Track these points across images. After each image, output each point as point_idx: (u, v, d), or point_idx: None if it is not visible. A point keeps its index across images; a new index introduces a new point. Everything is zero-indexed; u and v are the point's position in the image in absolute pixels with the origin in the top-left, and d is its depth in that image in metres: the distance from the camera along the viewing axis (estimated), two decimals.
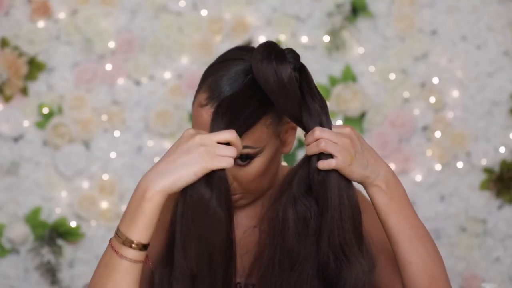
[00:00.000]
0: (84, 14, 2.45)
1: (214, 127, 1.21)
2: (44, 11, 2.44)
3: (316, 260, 1.22)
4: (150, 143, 2.49)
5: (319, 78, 2.54)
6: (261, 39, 2.50)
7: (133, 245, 1.18)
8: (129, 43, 2.47)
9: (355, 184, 1.26)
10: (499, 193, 2.58)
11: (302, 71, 1.27)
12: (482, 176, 2.58)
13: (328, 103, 2.65)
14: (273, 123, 1.28)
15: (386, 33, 2.54)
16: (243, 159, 1.27)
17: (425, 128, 2.57)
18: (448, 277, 1.32)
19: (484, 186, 2.57)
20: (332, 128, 1.24)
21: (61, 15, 2.46)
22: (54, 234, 2.46)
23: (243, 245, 1.31)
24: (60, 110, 2.47)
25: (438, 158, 2.56)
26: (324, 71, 2.54)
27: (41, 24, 2.45)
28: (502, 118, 2.57)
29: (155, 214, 1.19)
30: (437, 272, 1.31)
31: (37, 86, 2.46)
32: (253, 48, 1.32)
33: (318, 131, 1.22)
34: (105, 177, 2.48)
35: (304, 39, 2.53)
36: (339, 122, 2.54)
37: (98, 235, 2.48)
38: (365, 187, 1.27)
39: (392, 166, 2.55)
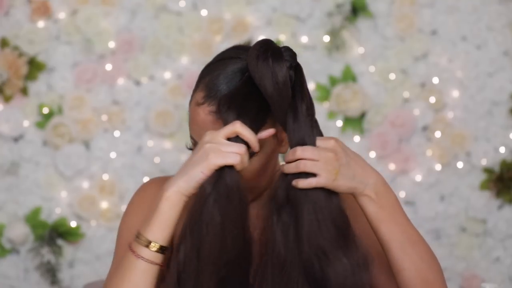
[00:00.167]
0: (84, 14, 2.45)
1: (225, 123, 1.21)
2: (44, 11, 2.44)
3: (302, 264, 1.22)
4: (150, 143, 2.49)
5: (319, 78, 2.54)
6: None
7: (150, 245, 1.20)
8: (129, 43, 2.47)
9: None
10: (499, 193, 2.58)
11: (297, 70, 1.26)
12: (482, 176, 2.58)
13: (328, 103, 2.69)
14: (270, 122, 1.28)
15: (386, 33, 2.54)
16: None
17: (425, 128, 2.57)
18: (444, 280, 1.32)
19: (484, 186, 2.57)
20: (316, 141, 1.23)
21: (61, 15, 2.46)
22: (54, 234, 2.46)
23: None
24: (60, 110, 2.47)
25: (438, 158, 2.56)
26: (324, 71, 2.54)
27: (41, 24, 2.45)
28: (502, 118, 2.57)
29: (172, 215, 1.20)
30: (431, 276, 1.30)
31: (37, 86, 2.46)
32: (250, 47, 1.32)
33: (300, 151, 1.22)
34: (105, 177, 2.48)
35: (304, 39, 2.53)
36: (339, 122, 2.54)
37: (98, 235, 2.48)
38: (354, 197, 1.27)
39: (392, 166, 2.55)
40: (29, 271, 2.46)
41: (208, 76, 1.30)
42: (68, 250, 2.48)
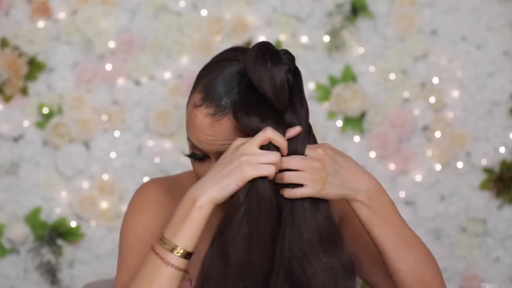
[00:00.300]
0: (84, 14, 2.45)
1: (248, 130, 1.21)
2: (44, 11, 2.44)
3: (282, 267, 1.22)
4: (150, 143, 2.49)
5: (319, 78, 2.54)
6: (261, 39, 2.50)
7: (179, 252, 1.20)
8: (129, 43, 2.47)
9: None
10: (499, 193, 2.58)
11: (295, 73, 1.27)
12: (482, 176, 2.58)
13: (328, 103, 2.68)
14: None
15: (386, 33, 2.54)
16: None
17: (425, 128, 2.57)
18: (442, 280, 1.32)
19: (484, 186, 2.57)
20: (306, 149, 1.24)
21: (61, 15, 2.46)
22: (54, 234, 2.46)
23: None
24: (60, 110, 2.47)
25: (438, 158, 2.56)
26: (324, 71, 2.54)
27: (41, 24, 2.45)
28: (502, 118, 2.57)
29: (202, 223, 1.21)
30: (428, 277, 1.30)
31: (37, 86, 2.46)
32: (247, 49, 1.32)
33: (284, 162, 1.22)
34: (105, 177, 2.48)
35: (304, 39, 2.53)
36: (339, 122, 2.54)
37: (98, 235, 2.48)
38: (347, 202, 1.28)
39: (392, 166, 2.55)
40: (29, 271, 2.46)
41: (206, 78, 1.30)
42: (68, 250, 2.48)
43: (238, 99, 1.24)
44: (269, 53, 1.23)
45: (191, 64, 2.49)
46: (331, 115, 2.55)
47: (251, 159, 1.19)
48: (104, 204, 2.47)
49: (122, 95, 2.48)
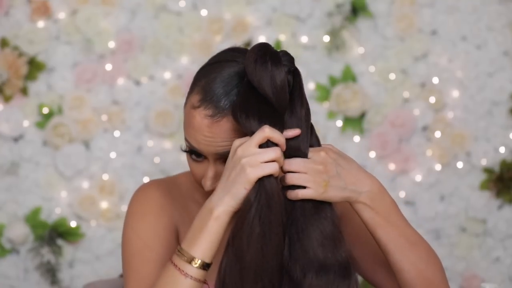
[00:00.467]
0: (84, 14, 2.45)
1: (248, 131, 1.21)
2: (44, 11, 2.44)
3: (279, 270, 1.23)
4: (150, 143, 2.49)
5: (319, 78, 2.54)
6: (261, 39, 2.50)
7: (197, 264, 1.20)
8: (129, 43, 2.47)
9: None
10: (499, 193, 2.58)
11: (295, 74, 1.27)
12: (482, 176, 2.58)
13: (328, 103, 2.68)
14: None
15: (386, 33, 2.54)
16: None
17: (425, 128, 2.57)
18: (445, 278, 1.33)
19: (484, 186, 2.57)
20: (309, 152, 1.24)
21: (61, 15, 2.46)
22: (54, 234, 2.46)
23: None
24: (60, 110, 2.47)
25: (438, 158, 2.56)
26: (324, 71, 2.54)
27: (41, 24, 2.45)
28: (502, 118, 2.57)
29: (220, 233, 1.21)
30: (432, 275, 1.31)
31: (37, 86, 2.46)
32: (246, 49, 1.32)
33: (286, 165, 1.23)
34: (105, 177, 2.48)
35: (304, 39, 2.53)
36: (339, 122, 2.54)
37: (98, 235, 2.48)
38: (350, 204, 1.28)
39: (392, 166, 2.55)
40: (29, 271, 2.46)
41: (204, 78, 1.30)
42: (68, 250, 2.48)
43: (237, 101, 1.24)
44: (269, 54, 1.24)
45: (191, 64, 2.49)
46: (331, 115, 2.55)
47: (252, 159, 1.19)
48: (104, 204, 2.47)
49: (122, 95, 2.48)
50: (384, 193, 1.29)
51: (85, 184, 2.47)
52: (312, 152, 1.25)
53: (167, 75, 2.49)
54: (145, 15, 2.48)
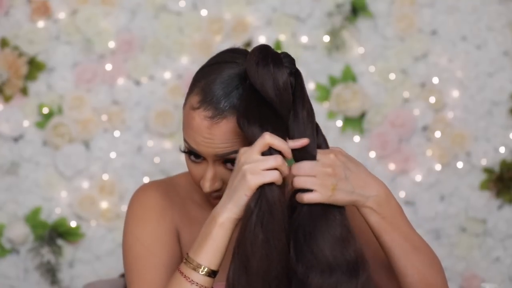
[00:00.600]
0: (84, 14, 2.45)
1: (250, 138, 1.21)
2: (44, 11, 2.44)
3: (288, 275, 1.23)
4: (150, 143, 2.49)
5: (319, 78, 2.54)
6: (261, 39, 2.50)
7: (203, 271, 1.21)
8: (129, 43, 2.47)
9: None
10: (499, 193, 2.58)
11: (297, 76, 1.27)
12: (482, 176, 2.58)
13: (328, 103, 2.68)
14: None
15: (386, 33, 2.54)
16: (234, 163, 1.28)
17: (425, 128, 2.57)
18: (445, 280, 1.34)
19: (484, 186, 2.57)
20: (317, 154, 1.24)
21: (61, 15, 2.46)
22: (54, 234, 2.46)
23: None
24: (60, 110, 2.47)
25: (438, 158, 2.56)
26: (324, 71, 2.54)
27: (41, 24, 2.45)
28: (502, 118, 2.57)
29: (225, 240, 1.22)
30: (433, 279, 1.32)
31: (37, 86, 2.46)
32: (245, 50, 1.32)
33: (295, 169, 1.23)
34: (105, 177, 2.48)
35: (304, 39, 2.53)
36: (339, 122, 2.54)
37: (98, 235, 2.48)
38: (356, 208, 1.28)
39: (392, 166, 2.55)
40: (29, 271, 2.46)
41: (204, 79, 1.29)
42: (68, 250, 2.48)
43: (240, 106, 1.24)
44: (270, 56, 1.24)
45: (191, 64, 2.49)
46: (331, 115, 2.55)
47: (253, 167, 1.19)
48: (104, 204, 2.47)
49: (122, 95, 2.48)
50: (391, 198, 1.29)
51: (85, 184, 2.47)
52: (321, 154, 1.24)
53: (167, 75, 2.49)
54: (145, 15, 2.48)
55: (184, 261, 1.23)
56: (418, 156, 2.56)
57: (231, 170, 1.29)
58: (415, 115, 2.55)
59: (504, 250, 2.59)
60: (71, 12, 2.47)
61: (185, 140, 1.32)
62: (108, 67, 2.47)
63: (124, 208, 2.46)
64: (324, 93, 2.54)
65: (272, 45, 2.50)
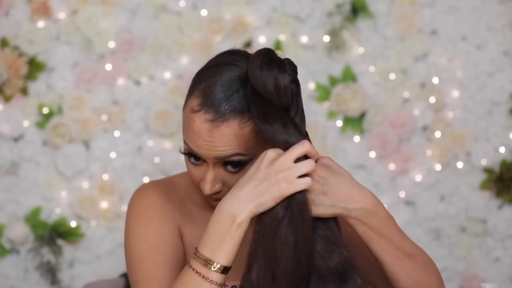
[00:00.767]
0: (84, 14, 2.45)
1: (278, 141, 1.22)
2: (44, 11, 2.44)
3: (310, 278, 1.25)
4: (150, 143, 2.49)
5: (319, 78, 2.54)
6: (261, 39, 2.50)
7: (220, 269, 1.22)
8: (129, 43, 2.47)
9: None
10: (499, 193, 2.58)
11: (297, 85, 1.28)
12: (482, 176, 2.58)
13: (328, 103, 2.68)
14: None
15: (386, 33, 2.54)
16: (235, 165, 1.29)
17: (425, 128, 2.57)
18: (442, 285, 1.34)
19: (484, 186, 2.57)
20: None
21: (61, 15, 2.46)
22: (54, 234, 2.46)
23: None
24: (60, 110, 2.47)
25: (438, 158, 2.56)
26: (324, 71, 2.54)
27: (41, 24, 2.45)
28: (502, 118, 2.57)
29: (241, 238, 1.23)
30: (427, 285, 1.32)
31: (37, 86, 2.46)
32: (246, 52, 1.32)
33: None
34: (105, 177, 2.48)
35: (304, 39, 2.53)
36: (339, 122, 2.54)
37: (98, 235, 2.48)
38: (344, 218, 1.29)
39: (392, 166, 2.55)
40: (29, 271, 2.46)
41: (204, 82, 1.29)
42: (68, 250, 2.48)
43: (255, 112, 1.24)
44: (275, 62, 1.24)
45: (191, 64, 2.49)
46: (331, 115, 2.55)
47: (289, 175, 1.20)
48: (104, 204, 2.47)
49: (122, 95, 2.48)
50: (378, 209, 1.28)
51: (85, 184, 2.47)
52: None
53: (167, 75, 2.49)
54: (145, 15, 2.48)
55: (198, 260, 1.22)
56: (418, 156, 2.56)
57: (231, 172, 1.29)
58: (415, 115, 2.55)
59: (504, 250, 2.59)
60: (71, 12, 2.47)
61: (185, 142, 1.32)
62: (108, 67, 2.47)
63: (124, 208, 2.46)
64: (324, 93, 2.54)
65: (272, 45, 2.50)
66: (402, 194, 2.56)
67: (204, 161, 1.31)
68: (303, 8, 2.51)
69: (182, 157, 2.44)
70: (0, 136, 2.46)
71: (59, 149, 2.45)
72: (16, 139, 2.47)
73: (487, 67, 2.57)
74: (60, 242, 2.47)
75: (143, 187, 1.45)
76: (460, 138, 2.56)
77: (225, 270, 1.22)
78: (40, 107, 2.46)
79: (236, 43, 2.42)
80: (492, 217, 2.58)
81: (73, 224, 2.47)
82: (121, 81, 2.48)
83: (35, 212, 2.46)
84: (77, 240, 2.47)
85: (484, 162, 2.57)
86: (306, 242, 1.21)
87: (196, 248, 1.24)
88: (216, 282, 1.22)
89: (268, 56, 1.25)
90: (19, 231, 2.44)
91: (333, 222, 1.26)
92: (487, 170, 2.57)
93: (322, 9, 2.52)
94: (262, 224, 1.22)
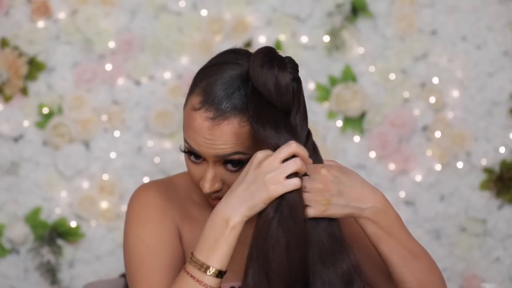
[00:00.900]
0: (84, 14, 2.45)
1: (268, 142, 1.21)
2: (44, 11, 2.44)
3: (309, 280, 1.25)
4: (150, 143, 2.49)
5: (319, 78, 2.54)
6: (261, 39, 2.50)
7: (215, 273, 1.22)
8: (129, 43, 2.47)
9: None
10: (499, 193, 2.58)
11: (298, 82, 1.28)
12: (482, 176, 2.58)
13: (328, 103, 2.68)
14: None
15: (386, 33, 2.54)
16: (235, 164, 1.29)
17: (425, 128, 2.57)
18: (445, 287, 1.35)
19: (484, 186, 2.57)
20: (308, 169, 1.24)
21: (61, 15, 2.46)
22: (54, 234, 2.46)
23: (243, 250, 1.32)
24: (60, 110, 2.47)
25: (438, 158, 2.56)
26: (324, 71, 2.54)
27: (41, 24, 2.45)
28: (502, 118, 2.57)
29: (235, 242, 1.22)
30: (431, 286, 1.32)
31: (37, 86, 2.46)
32: (247, 51, 1.32)
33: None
34: (105, 177, 2.48)
35: (304, 39, 2.53)
36: (339, 122, 2.54)
37: (98, 235, 2.48)
38: (354, 219, 1.29)
39: (392, 166, 2.55)
40: (29, 271, 2.46)
41: (205, 80, 1.29)
42: (68, 250, 2.48)
43: (251, 112, 1.24)
44: (276, 60, 1.24)
45: (191, 64, 2.49)
46: (331, 115, 2.55)
47: (276, 176, 1.19)
48: (104, 204, 2.47)
49: (122, 95, 2.48)
50: (388, 208, 1.29)
51: (85, 184, 2.47)
52: (313, 170, 1.25)
53: (167, 75, 2.49)
54: (145, 15, 2.48)
55: (193, 263, 1.23)
56: (418, 156, 2.56)
57: (231, 171, 1.29)
58: (415, 115, 2.55)
59: (504, 250, 2.59)
60: (71, 12, 2.47)
61: (185, 141, 1.32)
62: (108, 67, 2.47)
63: (124, 208, 2.46)
64: (324, 93, 2.54)
65: (272, 45, 2.49)
66: (402, 194, 2.56)
67: (204, 159, 1.31)
68: (303, 8, 2.51)
69: (182, 157, 2.44)
70: (0, 136, 2.46)
71: (59, 149, 2.45)
72: (16, 139, 2.47)
73: (487, 67, 2.57)
74: (60, 242, 2.47)
75: (143, 187, 1.44)
76: (460, 138, 2.56)
77: (219, 274, 1.22)
78: (40, 107, 2.46)
79: (236, 43, 2.40)
80: (492, 217, 2.58)
81: (73, 224, 2.47)
82: (121, 81, 2.48)
83: (35, 212, 2.46)
84: (77, 240, 2.47)
85: (484, 162, 2.57)
86: (298, 243, 1.20)
87: (192, 253, 1.24)
88: (211, 286, 1.22)
89: (269, 54, 1.25)
90: (19, 231, 2.44)
91: (337, 224, 1.26)
92: (487, 170, 2.57)
93: (322, 9, 2.53)
94: (256, 226, 1.22)
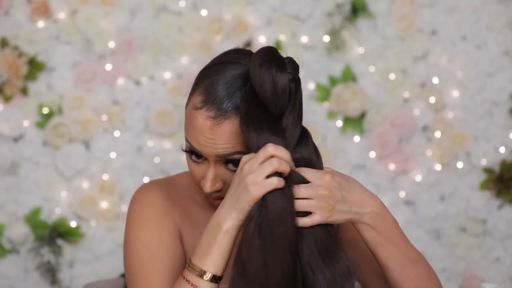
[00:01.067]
0: (84, 14, 2.45)
1: (250, 145, 1.22)
2: (44, 11, 2.44)
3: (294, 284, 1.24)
4: (150, 143, 2.49)
5: (319, 78, 2.54)
6: (261, 39, 2.50)
7: (209, 277, 1.22)
8: (129, 43, 2.47)
9: None
10: (499, 193, 2.58)
11: (297, 83, 1.27)
12: (482, 176, 2.58)
13: (328, 103, 2.68)
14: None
15: (386, 33, 2.54)
16: (235, 164, 1.28)
17: (425, 128, 2.57)
18: None
19: (484, 186, 2.57)
20: (311, 175, 1.24)
21: (61, 15, 2.46)
22: (54, 234, 2.46)
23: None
24: (60, 110, 2.47)
25: (438, 158, 2.56)
26: (324, 71, 2.54)
27: (41, 24, 2.45)
28: (502, 118, 2.57)
29: (230, 247, 1.22)
30: None
31: (37, 86, 2.46)
32: (250, 51, 1.32)
33: (296, 189, 1.23)
34: (105, 177, 2.48)
35: (304, 39, 2.53)
36: (339, 122, 2.54)
37: (98, 235, 2.48)
38: (352, 224, 1.29)
39: (392, 166, 2.55)
40: (29, 271, 2.46)
41: (207, 80, 1.29)
42: (68, 250, 2.48)
43: (242, 109, 1.24)
44: (275, 60, 1.24)
45: (191, 64, 2.49)
46: (331, 115, 2.55)
47: (255, 177, 1.19)
48: (104, 204, 2.47)
49: (122, 95, 2.48)
50: (386, 213, 1.29)
51: (85, 184, 2.47)
52: (316, 176, 1.24)
53: (167, 75, 2.49)
54: (145, 15, 2.48)
55: (189, 268, 1.23)
56: (418, 156, 2.56)
57: (232, 170, 1.29)
58: (415, 115, 2.55)
59: (504, 250, 2.59)
60: (71, 12, 2.47)
61: (186, 140, 1.32)
62: (108, 67, 2.47)
63: (124, 208, 2.46)
64: (324, 93, 2.54)
65: (272, 45, 2.49)
66: (402, 194, 2.56)
67: (205, 159, 1.31)
68: (303, 8, 2.51)
69: (182, 157, 2.44)
70: (0, 136, 2.46)
71: (59, 149, 2.45)
72: (16, 139, 2.47)
73: (487, 67, 2.57)
74: (60, 242, 2.46)
75: (144, 187, 1.44)
76: (460, 138, 2.56)
77: (214, 279, 1.22)
78: (40, 107, 2.46)
79: (236, 43, 2.42)
80: (492, 217, 2.58)
81: (73, 224, 2.47)
82: (121, 81, 2.48)
83: (35, 212, 2.46)
84: (77, 240, 2.47)
85: (484, 162, 2.57)
86: (275, 245, 1.19)
87: (189, 259, 1.25)
88: None
89: (269, 54, 1.24)
90: (19, 231, 2.44)
91: (332, 228, 1.26)
92: (487, 170, 2.57)
93: (322, 9, 2.53)
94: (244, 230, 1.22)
